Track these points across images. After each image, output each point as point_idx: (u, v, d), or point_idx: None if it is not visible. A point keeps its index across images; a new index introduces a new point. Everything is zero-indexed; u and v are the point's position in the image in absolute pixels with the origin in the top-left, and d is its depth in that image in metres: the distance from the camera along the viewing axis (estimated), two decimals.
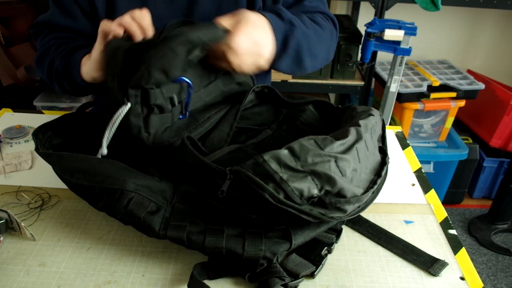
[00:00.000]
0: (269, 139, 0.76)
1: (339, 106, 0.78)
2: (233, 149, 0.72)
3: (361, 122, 0.64)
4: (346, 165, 0.58)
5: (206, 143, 0.73)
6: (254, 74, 0.77)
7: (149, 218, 0.59)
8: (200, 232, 0.58)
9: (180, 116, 0.72)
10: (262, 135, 0.76)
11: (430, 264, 0.64)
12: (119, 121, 0.64)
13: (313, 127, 0.77)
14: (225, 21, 0.70)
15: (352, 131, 0.62)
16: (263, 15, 0.74)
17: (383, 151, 0.70)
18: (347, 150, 0.59)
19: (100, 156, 0.67)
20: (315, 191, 0.56)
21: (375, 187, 0.62)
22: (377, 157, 0.67)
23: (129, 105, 0.64)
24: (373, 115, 0.68)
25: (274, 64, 0.77)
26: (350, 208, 0.58)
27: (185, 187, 0.62)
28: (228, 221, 0.60)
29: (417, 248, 0.66)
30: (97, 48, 0.71)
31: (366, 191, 0.60)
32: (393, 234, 0.69)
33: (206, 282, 0.58)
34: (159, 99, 0.66)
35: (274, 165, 0.55)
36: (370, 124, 0.66)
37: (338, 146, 0.59)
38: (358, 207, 0.60)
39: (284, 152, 0.56)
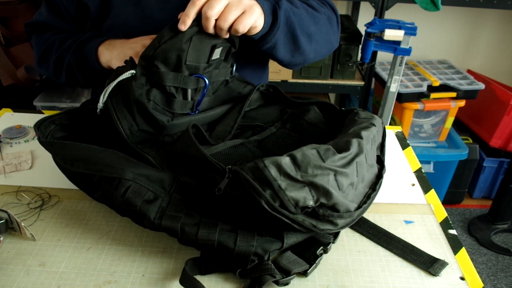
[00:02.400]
0: (272, 136, 0.76)
1: (342, 108, 0.78)
2: (236, 144, 0.72)
3: (363, 133, 0.64)
4: (344, 180, 0.59)
5: (211, 136, 0.73)
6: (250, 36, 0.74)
7: (145, 207, 0.59)
8: (194, 224, 0.59)
9: (190, 112, 0.74)
10: (266, 133, 0.76)
11: (430, 264, 0.64)
12: (119, 80, 0.68)
13: (317, 127, 0.77)
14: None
15: (354, 143, 0.62)
16: None
17: (380, 161, 0.71)
18: (348, 164, 0.60)
19: (98, 110, 0.70)
20: (311, 203, 0.56)
21: (368, 201, 0.63)
22: (375, 169, 0.68)
23: (133, 71, 0.68)
24: (375, 125, 0.68)
25: (268, 39, 0.75)
26: (341, 222, 0.59)
27: (184, 178, 0.63)
28: (223, 216, 0.60)
29: (417, 248, 0.66)
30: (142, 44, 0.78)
31: (359, 206, 0.61)
32: (393, 234, 0.69)
33: (198, 277, 0.58)
34: (164, 80, 0.69)
35: (274, 172, 0.55)
36: (371, 135, 0.66)
37: (339, 159, 0.59)
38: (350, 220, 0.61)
39: (285, 160, 0.56)
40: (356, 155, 0.61)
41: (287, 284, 0.59)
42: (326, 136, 0.76)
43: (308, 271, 0.61)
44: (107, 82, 0.70)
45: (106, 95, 0.69)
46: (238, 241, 0.57)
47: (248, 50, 0.81)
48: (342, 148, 0.61)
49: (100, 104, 0.69)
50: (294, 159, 0.56)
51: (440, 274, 0.62)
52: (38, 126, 0.72)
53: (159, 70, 0.68)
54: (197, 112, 0.75)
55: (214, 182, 0.59)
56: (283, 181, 0.55)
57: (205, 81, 0.73)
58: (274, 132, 0.77)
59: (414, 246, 0.67)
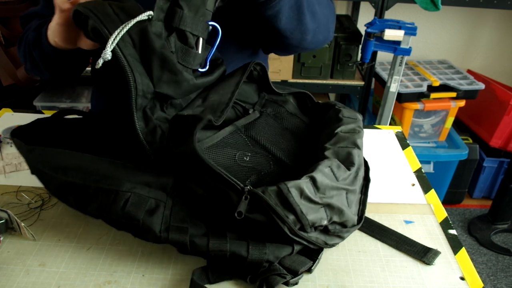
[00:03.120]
0: (257, 123, 0.73)
1: (319, 102, 0.77)
2: (232, 131, 0.69)
3: (358, 142, 0.66)
4: (353, 196, 0.60)
5: (205, 104, 0.66)
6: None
7: (148, 220, 0.56)
8: (202, 235, 0.57)
9: (199, 70, 0.66)
10: (250, 117, 0.73)
11: (423, 254, 0.65)
12: (136, 21, 0.57)
13: (297, 118, 0.77)
14: None
15: (355, 155, 0.63)
16: None
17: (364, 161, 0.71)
18: (354, 179, 0.61)
19: (101, 62, 0.57)
20: (325, 222, 0.57)
21: (365, 209, 0.65)
22: (363, 172, 0.68)
23: (151, 12, 0.58)
24: (361, 128, 0.70)
25: (274, 4, 0.71)
26: (347, 235, 0.61)
27: (190, 184, 0.59)
28: (228, 224, 0.59)
29: (410, 239, 0.67)
30: (56, 20, 0.68)
31: (360, 218, 0.63)
32: (386, 227, 0.70)
33: (207, 286, 0.58)
34: (187, 24, 0.60)
35: (296, 196, 0.54)
36: (362, 141, 0.68)
37: (348, 176, 0.60)
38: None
39: (307, 184, 0.55)
40: (358, 169, 0.63)
41: (296, 283, 0.59)
42: (308, 130, 0.76)
43: (312, 268, 0.61)
44: (100, 23, 0.57)
45: (117, 40, 0.56)
46: (250, 249, 0.56)
47: (247, 42, 0.79)
48: (346, 160, 0.62)
49: (108, 53, 0.56)
50: (314, 182, 0.56)
51: (434, 263, 0.64)
52: (15, 135, 0.66)
53: (185, 11, 0.59)
54: (207, 67, 0.67)
55: (225, 197, 0.56)
56: (304, 205, 0.54)
57: (218, 31, 0.64)
58: (258, 118, 0.73)
59: (407, 237, 0.68)
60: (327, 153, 0.63)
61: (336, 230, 0.59)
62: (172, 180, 0.60)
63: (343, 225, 0.60)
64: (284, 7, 0.73)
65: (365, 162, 0.71)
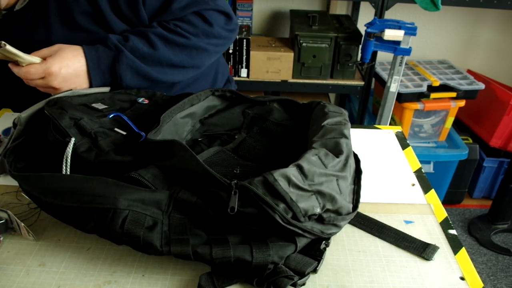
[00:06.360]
0: (245, 143, 0.74)
1: (304, 102, 0.78)
2: (218, 151, 0.70)
3: (345, 132, 0.67)
4: (344, 183, 0.60)
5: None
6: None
7: (148, 236, 0.56)
8: (204, 243, 0.57)
9: (141, 140, 0.71)
10: (238, 140, 0.74)
11: (422, 250, 0.65)
12: (69, 159, 0.66)
13: (284, 126, 0.78)
14: (41, 52, 0.79)
15: (343, 144, 0.63)
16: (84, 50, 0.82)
17: (354, 154, 0.72)
18: (344, 166, 0.62)
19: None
20: (318, 210, 0.57)
21: (359, 198, 0.65)
22: (353, 163, 0.69)
23: (73, 139, 0.67)
24: (348, 121, 0.70)
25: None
26: (343, 223, 0.62)
27: (183, 194, 0.59)
28: (228, 229, 0.58)
29: (408, 235, 0.68)
30: None
31: (355, 206, 0.63)
32: (384, 223, 0.70)
33: None
34: (92, 126, 0.70)
35: (284, 185, 0.54)
36: (349, 132, 0.69)
37: (337, 163, 0.61)
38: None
39: (293, 171, 0.56)
40: (348, 157, 0.63)
41: (304, 284, 0.59)
42: (296, 133, 0.76)
43: (318, 268, 0.61)
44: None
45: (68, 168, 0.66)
46: (254, 252, 0.56)
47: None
48: (334, 149, 0.63)
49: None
50: (301, 169, 0.56)
51: (433, 258, 0.64)
52: (4, 156, 0.66)
53: (84, 119, 0.72)
54: (142, 134, 0.72)
55: (217, 198, 0.56)
56: (293, 193, 0.55)
57: (117, 114, 0.78)
58: (245, 139, 0.75)
59: (406, 233, 0.68)
60: (315, 145, 0.63)
61: (331, 219, 0.59)
62: (166, 196, 0.59)
63: (338, 212, 0.60)
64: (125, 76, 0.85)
65: (355, 155, 0.72)
